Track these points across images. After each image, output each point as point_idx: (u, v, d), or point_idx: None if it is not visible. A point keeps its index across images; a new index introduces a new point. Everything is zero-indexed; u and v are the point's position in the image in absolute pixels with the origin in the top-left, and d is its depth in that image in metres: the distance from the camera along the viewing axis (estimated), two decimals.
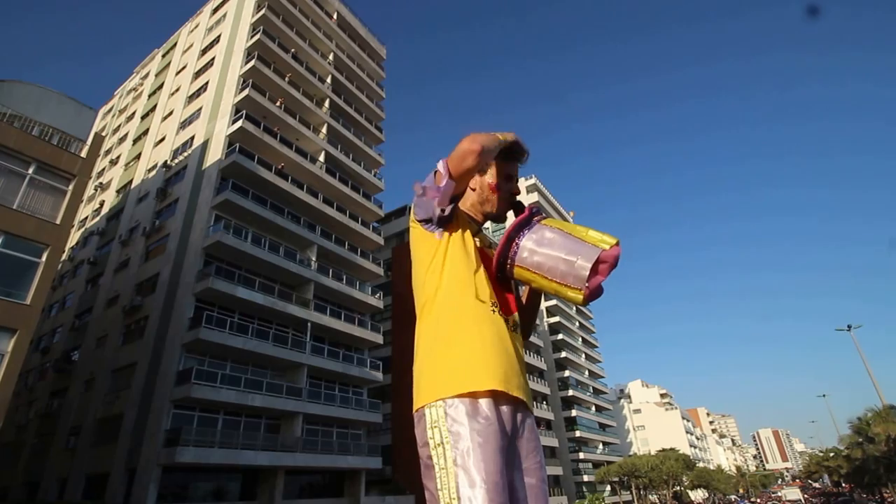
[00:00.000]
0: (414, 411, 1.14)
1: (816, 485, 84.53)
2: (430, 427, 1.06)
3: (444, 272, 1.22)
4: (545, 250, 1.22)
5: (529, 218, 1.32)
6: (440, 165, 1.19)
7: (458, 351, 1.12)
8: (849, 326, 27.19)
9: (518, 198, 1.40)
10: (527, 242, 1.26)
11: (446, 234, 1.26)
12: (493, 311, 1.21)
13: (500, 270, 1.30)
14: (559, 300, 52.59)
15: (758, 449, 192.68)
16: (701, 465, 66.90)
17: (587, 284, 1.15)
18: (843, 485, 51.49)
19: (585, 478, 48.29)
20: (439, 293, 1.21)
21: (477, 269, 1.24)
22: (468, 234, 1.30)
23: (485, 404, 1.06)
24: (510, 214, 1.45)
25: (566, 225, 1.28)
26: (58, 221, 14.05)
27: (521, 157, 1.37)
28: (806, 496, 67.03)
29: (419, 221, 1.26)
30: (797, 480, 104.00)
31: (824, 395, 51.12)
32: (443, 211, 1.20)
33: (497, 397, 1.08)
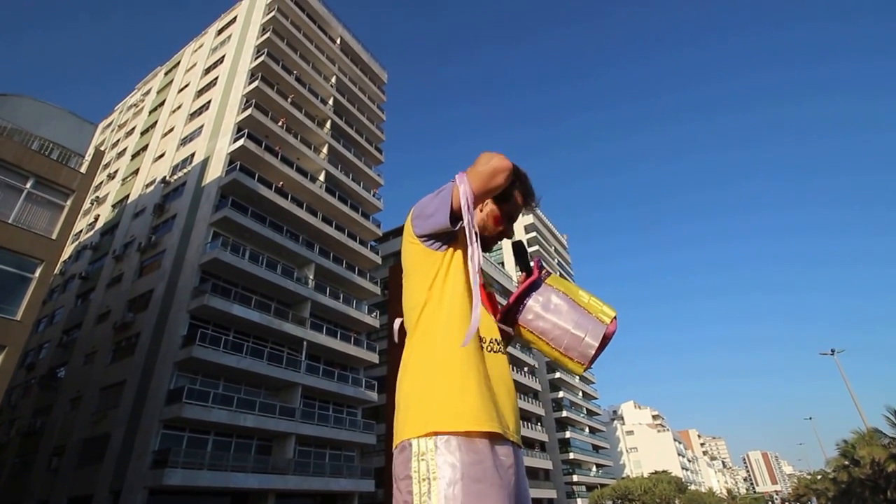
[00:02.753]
0: (397, 442, 1.03)
1: None
2: (415, 458, 0.98)
3: (446, 295, 1.14)
4: (552, 317, 1.22)
5: (539, 280, 1.30)
6: (459, 179, 1.12)
7: (456, 386, 1.04)
8: (832, 351, 27.60)
9: (517, 223, 1.38)
10: (533, 304, 1.24)
11: (450, 249, 1.19)
12: (493, 347, 1.17)
13: (503, 322, 1.28)
14: None
15: (748, 471, 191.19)
16: (693, 487, 66.26)
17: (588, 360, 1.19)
18: None
19: (579, 501, 47.68)
20: (440, 317, 1.12)
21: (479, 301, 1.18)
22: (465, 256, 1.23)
23: (479, 442, 1.00)
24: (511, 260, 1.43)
25: (570, 288, 1.27)
26: (53, 237, 13.95)
27: (531, 202, 1.32)
28: None
29: (420, 237, 1.18)
30: (786, 503, 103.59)
31: (811, 418, 51.18)
32: (454, 222, 1.13)
33: (493, 437, 1.03)
